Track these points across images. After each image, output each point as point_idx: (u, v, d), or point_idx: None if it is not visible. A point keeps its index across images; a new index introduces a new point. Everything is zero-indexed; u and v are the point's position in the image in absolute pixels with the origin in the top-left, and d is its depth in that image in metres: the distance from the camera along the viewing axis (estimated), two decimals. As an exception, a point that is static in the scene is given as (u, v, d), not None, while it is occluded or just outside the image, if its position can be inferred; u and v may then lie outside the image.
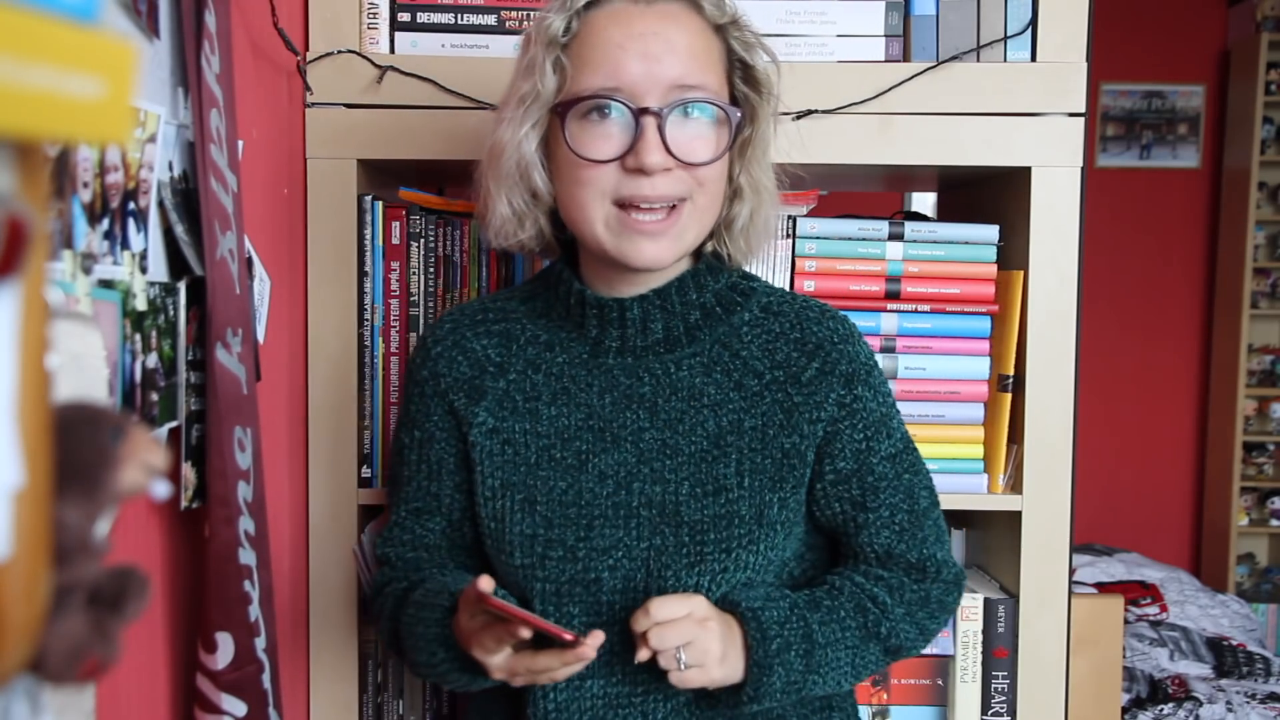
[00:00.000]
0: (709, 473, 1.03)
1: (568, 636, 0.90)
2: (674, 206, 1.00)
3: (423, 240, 1.37)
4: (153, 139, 0.89)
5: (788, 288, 1.37)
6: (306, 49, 1.33)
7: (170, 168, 0.94)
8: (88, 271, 0.79)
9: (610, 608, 1.02)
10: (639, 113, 0.97)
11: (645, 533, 1.02)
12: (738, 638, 0.99)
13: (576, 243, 1.08)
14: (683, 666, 0.96)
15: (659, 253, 1.00)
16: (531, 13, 1.37)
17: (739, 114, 1.02)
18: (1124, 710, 2.84)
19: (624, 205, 0.99)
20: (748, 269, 1.15)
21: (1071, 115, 1.35)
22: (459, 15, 1.37)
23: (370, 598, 1.16)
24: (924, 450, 1.38)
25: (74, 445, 0.51)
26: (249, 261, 1.10)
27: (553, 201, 1.06)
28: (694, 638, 0.96)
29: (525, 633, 0.91)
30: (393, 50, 1.36)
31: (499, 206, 1.06)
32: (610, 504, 1.02)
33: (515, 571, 1.04)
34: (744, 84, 1.05)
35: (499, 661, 0.95)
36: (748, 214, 1.08)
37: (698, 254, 1.10)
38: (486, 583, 0.91)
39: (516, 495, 1.04)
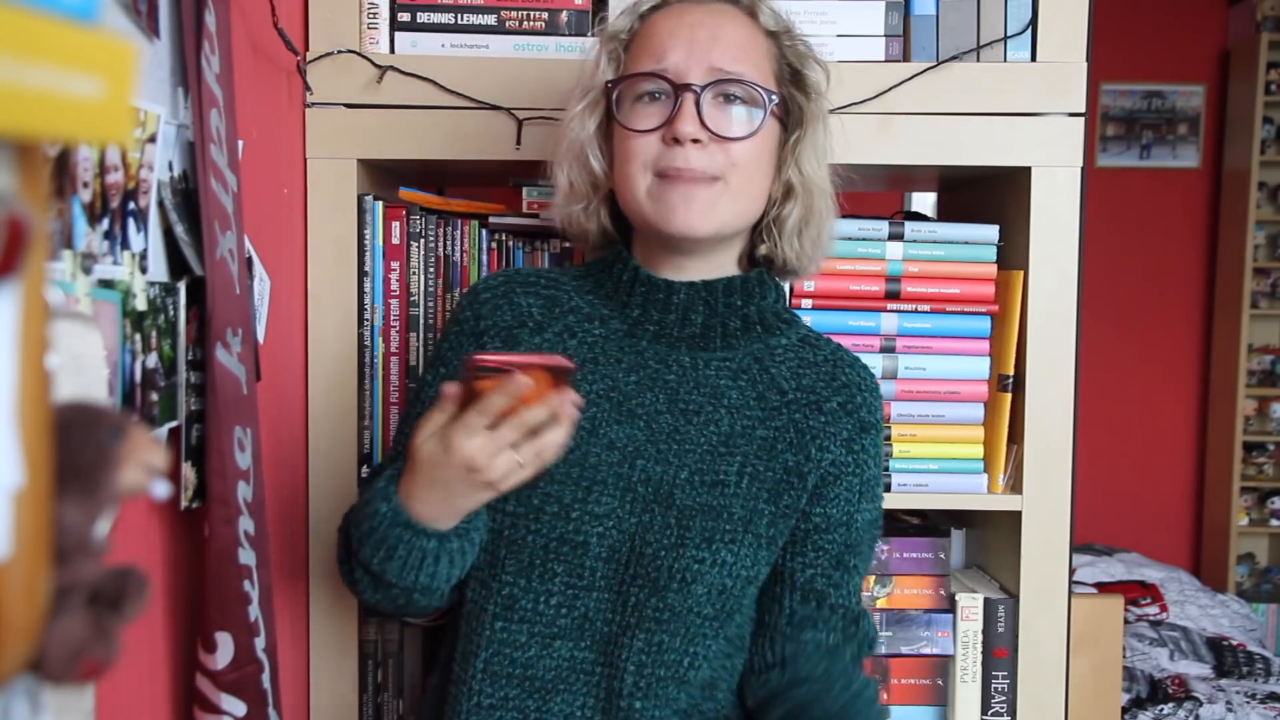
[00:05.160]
0: (711, 466, 1.05)
1: (567, 363, 0.88)
2: (711, 180, 1.04)
3: (423, 240, 1.37)
4: (153, 139, 0.89)
5: (787, 288, 1.38)
6: (306, 49, 1.33)
7: (170, 168, 0.94)
8: (88, 271, 0.79)
9: (592, 573, 1.04)
10: (679, 88, 1.04)
11: (637, 508, 1.04)
12: None
13: (633, 234, 1.13)
14: None
15: (691, 218, 1.04)
16: (531, 12, 1.37)
17: (775, 98, 1.07)
18: (1124, 710, 2.84)
19: (663, 176, 1.04)
20: (805, 281, 1.24)
21: (1071, 115, 1.35)
22: (459, 15, 1.37)
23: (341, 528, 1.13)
24: (924, 450, 1.40)
25: (74, 445, 0.51)
26: (249, 261, 1.10)
27: (610, 187, 1.12)
28: None
29: (523, 378, 0.88)
30: (393, 50, 1.36)
31: (560, 180, 1.14)
32: (612, 474, 1.05)
33: (505, 519, 1.05)
34: (794, 87, 1.10)
35: (480, 442, 0.91)
36: (800, 214, 1.11)
37: (754, 262, 1.13)
38: (451, 386, 0.91)
39: None
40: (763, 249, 1.12)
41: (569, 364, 0.89)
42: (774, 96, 1.06)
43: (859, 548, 1.11)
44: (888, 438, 1.39)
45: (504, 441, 0.91)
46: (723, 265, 1.11)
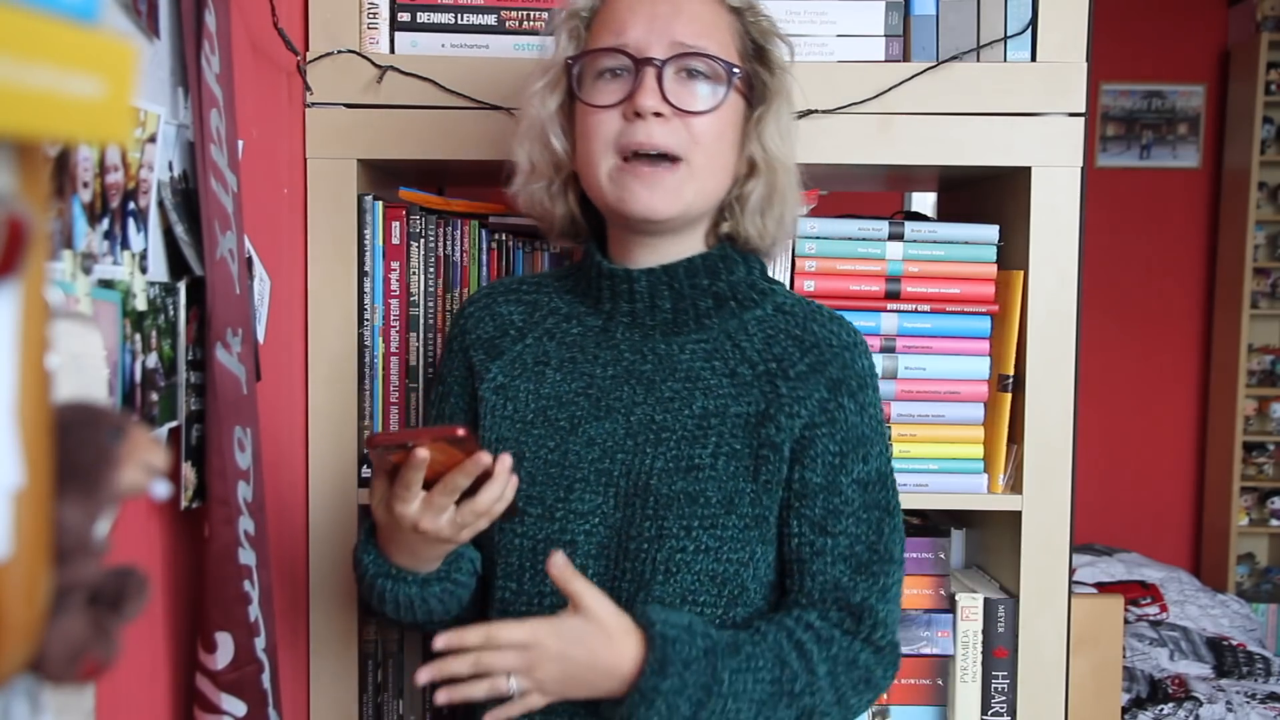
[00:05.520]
0: (686, 451, 1.04)
1: (459, 432, 0.91)
2: (674, 162, 1.03)
3: (423, 240, 1.37)
4: (153, 139, 0.89)
5: (787, 287, 1.38)
6: (306, 49, 1.33)
7: (170, 168, 0.94)
8: (88, 271, 0.79)
9: (583, 570, 1.03)
10: (640, 63, 1.03)
11: (620, 503, 1.04)
12: (627, 654, 0.97)
13: (605, 225, 1.14)
14: (514, 692, 0.97)
15: (654, 201, 1.03)
16: (531, 12, 1.37)
17: (738, 72, 1.06)
18: (1124, 710, 2.84)
19: (626, 157, 1.03)
20: (771, 263, 1.20)
21: (1071, 115, 1.35)
22: (459, 15, 1.37)
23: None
24: (924, 450, 1.39)
25: (74, 445, 0.51)
26: (249, 261, 1.10)
27: (572, 168, 1.11)
28: (525, 666, 0.96)
29: (422, 451, 0.92)
30: (393, 50, 1.36)
31: (520, 160, 1.13)
32: (593, 470, 1.05)
33: (493, 525, 1.05)
34: (758, 63, 1.10)
35: (414, 511, 0.96)
36: (764, 191, 1.09)
37: (717, 239, 1.12)
38: (369, 442, 0.97)
39: (506, 450, 1.06)
40: (725, 226, 1.10)
41: (458, 433, 0.92)
42: (737, 71, 1.06)
43: (847, 514, 1.04)
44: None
45: (440, 507, 0.96)
46: (691, 245, 1.10)
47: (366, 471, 1.37)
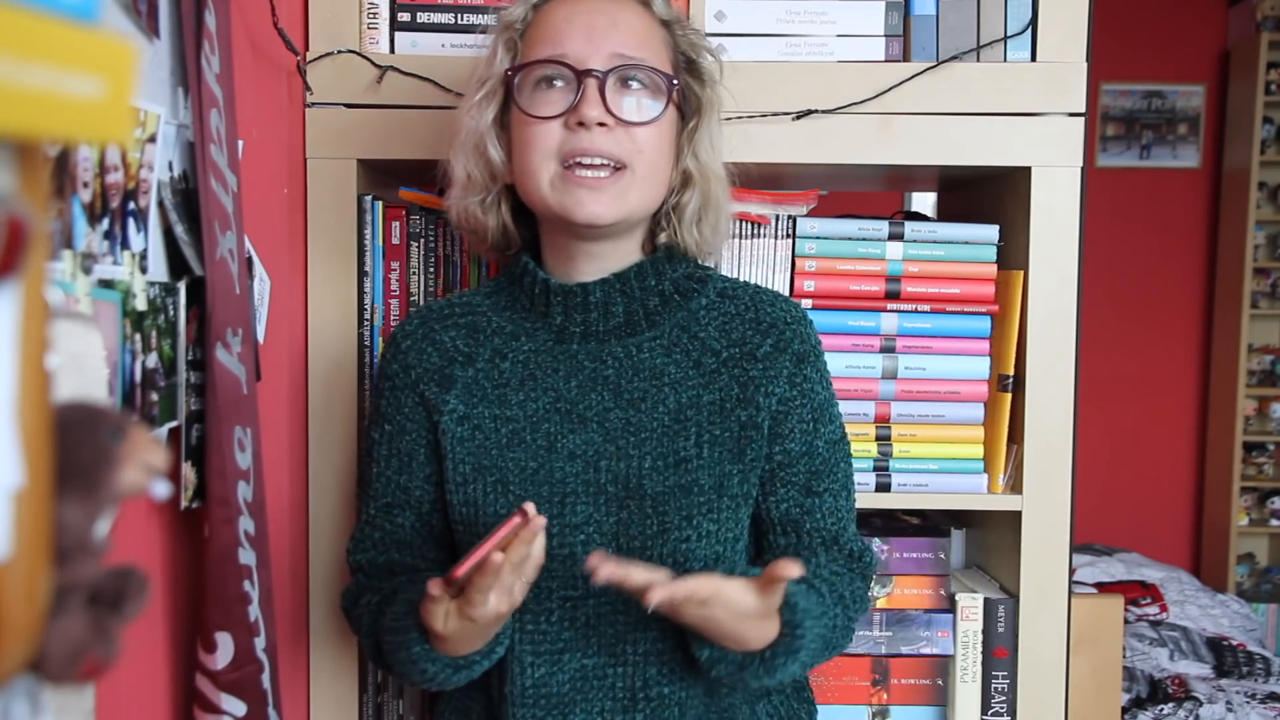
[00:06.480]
0: (670, 446, 1.06)
1: (517, 519, 0.92)
2: (617, 170, 1.05)
3: (423, 240, 1.37)
4: (153, 139, 0.89)
5: (788, 287, 1.38)
6: (306, 49, 1.33)
7: (170, 168, 0.94)
8: (88, 271, 0.79)
9: (584, 581, 1.04)
10: (581, 74, 1.04)
11: (613, 508, 1.05)
12: (763, 635, 0.99)
13: (539, 238, 1.14)
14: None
15: (599, 208, 1.04)
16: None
17: (677, 83, 1.09)
18: (1124, 710, 2.84)
19: (568, 165, 1.04)
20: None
21: (1071, 115, 1.35)
22: (459, 15, 1.37)
23: (346, 609, 1.16)
24: (924, 450, 1.40)
25: (74, 445, 0.51)
26: (249, 261, 1.10)
27: (510, 178, 1.11)
28: (699, 620, 0.98)
29: (498, 556, 0.92)
30: (393, 50, 1.36)
31: (457, 173, 1.13)
32: (580, 482, 1.06)
33: None
34: (690, 77, 1.12)
35: (494, 604, 0.94)
36: (699, 202, 1.12)
37: (655, 245, 1.14)
38: (436, 585, 0.94)
39: (489, 478, 1.07)
40: (663, 236, 1.13)
41: (518, 519, 0.92)
42: (675, 82, 1.08)
43: (826, 472, 1.11)
44: (886, 437, 1.39)
45: (510, 586, 0.95)
46: (631, 250, 1.12)
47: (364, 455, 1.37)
